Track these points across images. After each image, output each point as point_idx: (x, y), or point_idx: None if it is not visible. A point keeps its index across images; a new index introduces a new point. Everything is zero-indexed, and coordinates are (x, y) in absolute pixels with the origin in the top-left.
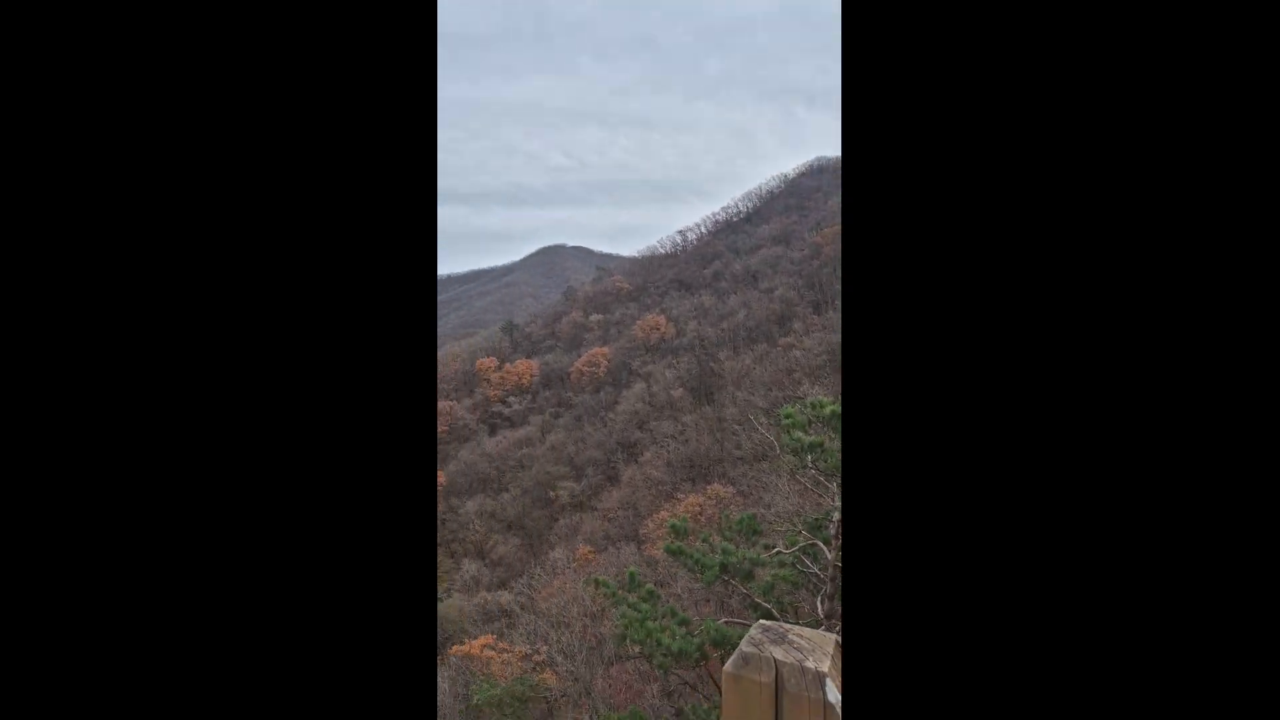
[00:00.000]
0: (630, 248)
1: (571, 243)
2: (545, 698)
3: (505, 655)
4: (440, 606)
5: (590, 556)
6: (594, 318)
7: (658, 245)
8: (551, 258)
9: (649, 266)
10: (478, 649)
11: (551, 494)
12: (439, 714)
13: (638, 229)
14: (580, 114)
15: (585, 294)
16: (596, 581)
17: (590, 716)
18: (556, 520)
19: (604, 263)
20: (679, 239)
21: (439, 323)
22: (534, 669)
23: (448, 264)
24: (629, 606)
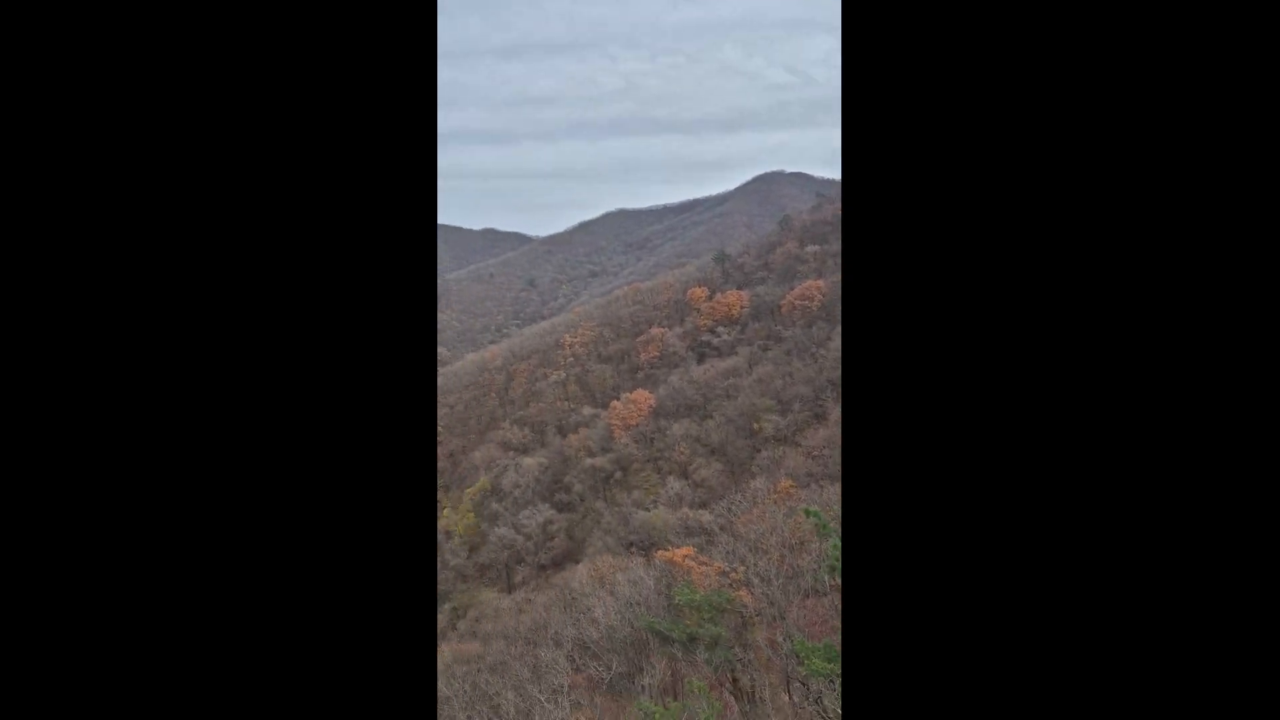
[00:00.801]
0: None
1: (790, 168)
2: (740, 613)
3: (704, 568)
4: (646, 515)
5: (791, 490)
6: (810, 249)
7: None
8: (768, 185)
9: None
10: (679, 557)
11: (755, 425)
12: (645, 606)
13: None
14: (806, 23)
15: (802, 223)
16: (806, 511)
17: (784, 638)
18: (759, 451)
19: (824, 189)
20: None
21: (653, 253)
22: (730, 585)
23: (664, 194)
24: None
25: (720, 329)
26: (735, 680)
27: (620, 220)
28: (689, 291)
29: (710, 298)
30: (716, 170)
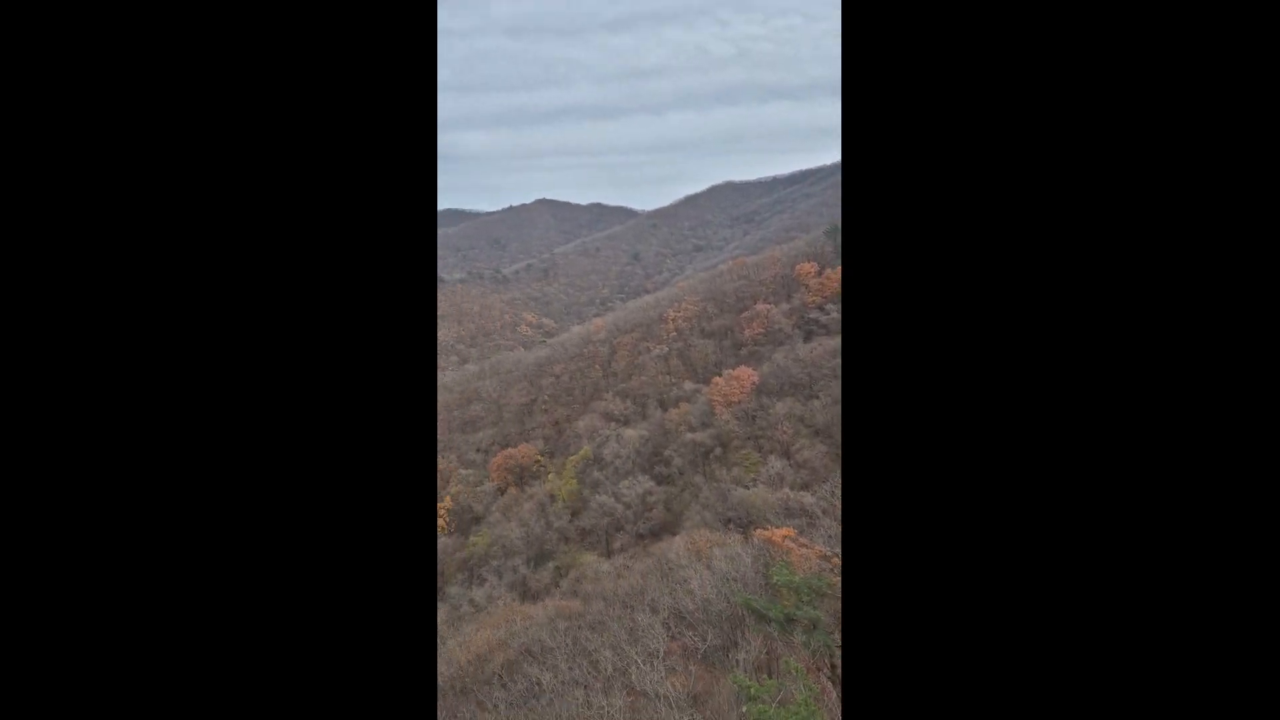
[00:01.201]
0: None
1: None
2: (840, 599)
3: (804, 550)
4: (745, 493)
5: None
6: None
7: None
8: None
9: None
10: (779, 537)
11: None
12: (742, 582)
13: None
14: None
15: None
16: None
17: None
18: None
19: None
20: None
21: (760, 226)
22: (831, 570)
23: (774, 165)
24: None
25: (829, 306)
26: (834, 666)
27: (727, 193)
28: (797, 267)
29: (820, 274)
30: (831, 138)
